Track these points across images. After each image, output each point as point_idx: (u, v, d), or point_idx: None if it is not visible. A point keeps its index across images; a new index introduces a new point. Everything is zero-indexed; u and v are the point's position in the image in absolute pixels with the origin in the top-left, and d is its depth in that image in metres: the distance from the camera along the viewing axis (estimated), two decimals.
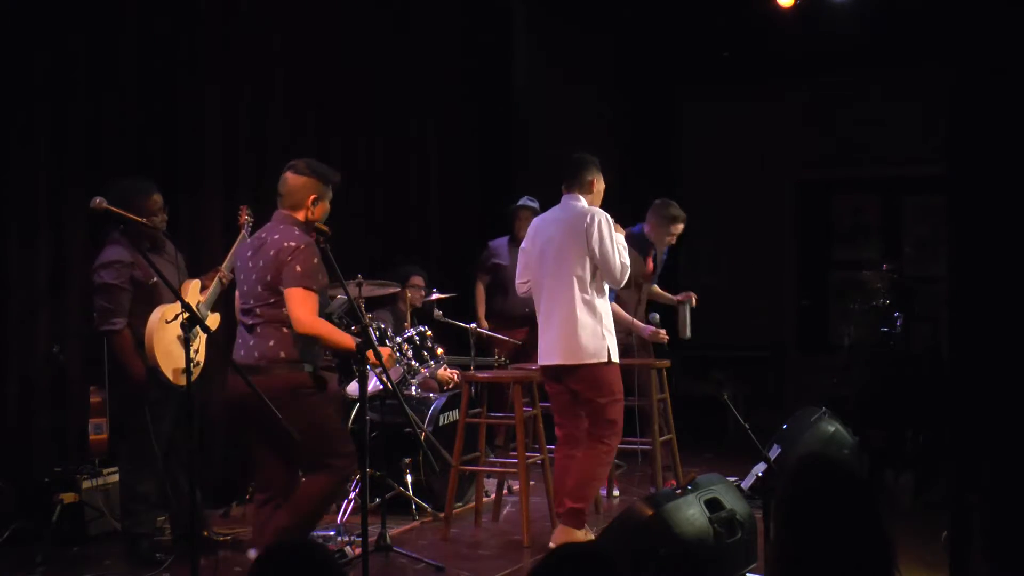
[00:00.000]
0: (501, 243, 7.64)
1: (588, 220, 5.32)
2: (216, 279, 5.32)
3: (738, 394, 8.24)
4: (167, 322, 5.03)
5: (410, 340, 6.10)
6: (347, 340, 4.35)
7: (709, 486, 4.69)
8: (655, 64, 10.09)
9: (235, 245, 5.40)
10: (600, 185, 5.53)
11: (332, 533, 5.33)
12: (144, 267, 4.96)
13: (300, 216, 4.49)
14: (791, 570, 2.34)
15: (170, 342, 5.08)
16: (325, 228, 4.55)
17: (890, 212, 10.29)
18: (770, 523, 2.57)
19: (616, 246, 5.35)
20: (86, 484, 5.47)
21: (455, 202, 8.50)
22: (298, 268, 4.31)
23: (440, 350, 6.23)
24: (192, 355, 4.95)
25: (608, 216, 5.40)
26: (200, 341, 5.07)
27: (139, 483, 5.17)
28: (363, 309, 5.67)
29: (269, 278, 4.36)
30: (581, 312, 5.32)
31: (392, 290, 6.66)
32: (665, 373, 6.53)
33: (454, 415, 6.26)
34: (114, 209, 4.20)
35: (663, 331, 6.46)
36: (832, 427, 6.40)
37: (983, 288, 4.01)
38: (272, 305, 4.37)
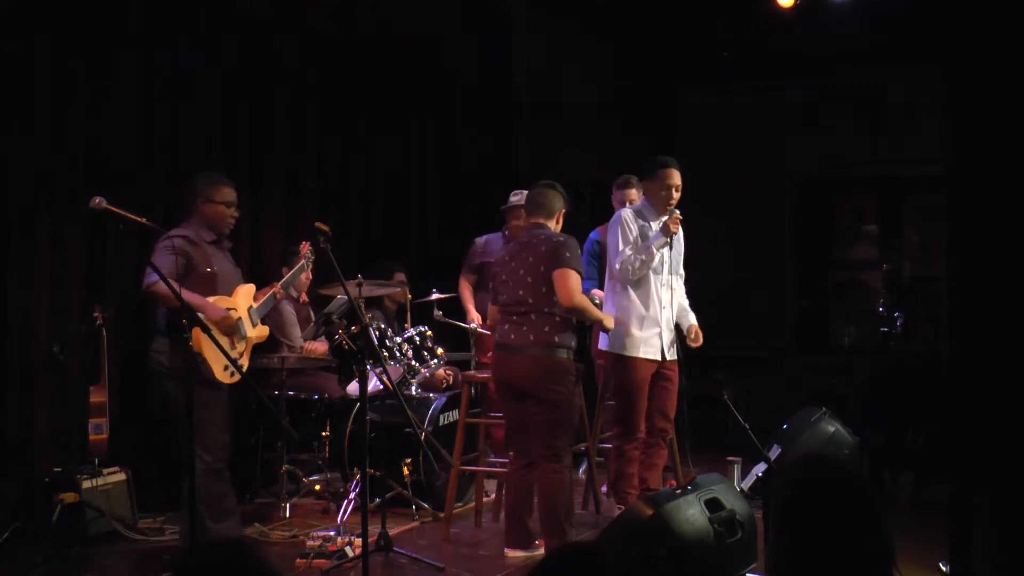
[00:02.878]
0: (493, 240, 6.96)
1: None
2: (271, 292, 5.25)
3: (738, 394, 8.23)
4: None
5: (410, 340, 6.10)
6: (598, 315, 5.24)
7: (709, 486, 4.69)
8: (655, 64, 10.08)
9: (294, 268, 5.54)
10: (658, 188, 5.88)
11: (332, 533, 5.33)
12: (206, 256, 4.96)
13: (552, 225, 5.24)
14: (791, 570, 2.34)
15: (217, 336, 4.86)
16: (325, 228, 4.56)
17: (890, 212, 10.29)
18: (770, 523, 2.56)
19: (618, 244, 5.69)
20: (86, 484, 5.46)
21: (455, 202, 8.49)
22: (567, 254, 5.02)
23: (440, 350, 6.24)
24: (235, 356, 4.97)
25: (620, 219, 5.76)
26: (247, 344, 5.08)
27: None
28: (363, 309, 5.66)
29: (543, 268, 5.03)
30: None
31: (392, 290, 6.66)
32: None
33: (454, 415, 6.26)
34: (113, 208, 4.19)
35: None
36: (832, 427, 6.40)
37: (982, 288, 4.02)
38: (545, 294, 5.01)
